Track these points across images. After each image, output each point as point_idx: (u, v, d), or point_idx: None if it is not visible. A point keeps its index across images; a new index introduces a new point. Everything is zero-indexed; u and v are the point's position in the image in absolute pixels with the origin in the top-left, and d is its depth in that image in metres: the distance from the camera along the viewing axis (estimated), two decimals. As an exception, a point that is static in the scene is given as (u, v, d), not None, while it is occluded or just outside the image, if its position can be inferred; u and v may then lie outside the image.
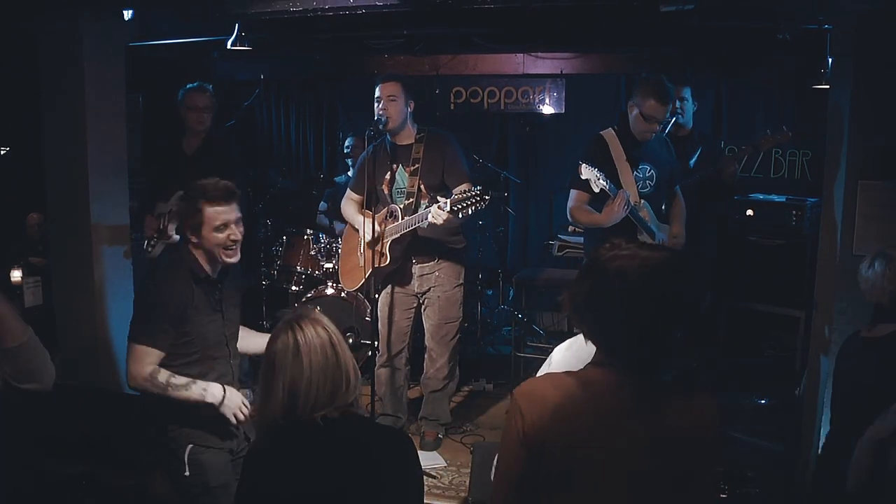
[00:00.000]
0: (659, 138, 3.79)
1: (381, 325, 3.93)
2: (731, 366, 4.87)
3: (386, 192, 3.81)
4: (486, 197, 3.27)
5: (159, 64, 5.37)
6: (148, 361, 2.45)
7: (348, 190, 4.01)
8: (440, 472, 3.69)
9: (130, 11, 3.89)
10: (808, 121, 5.03)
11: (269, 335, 1.94)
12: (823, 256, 3.63)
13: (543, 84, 5.74)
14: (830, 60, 3.76)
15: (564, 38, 5.28)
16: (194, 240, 2.53)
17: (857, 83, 3.37)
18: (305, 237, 5.00)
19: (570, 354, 1.83)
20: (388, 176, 3.80)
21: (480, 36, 5.22)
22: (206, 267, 2.57)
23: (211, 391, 2.50)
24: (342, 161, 6.01)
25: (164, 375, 2.46)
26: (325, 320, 1.87)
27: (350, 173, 4.87)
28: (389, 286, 3.90)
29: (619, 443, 1.49)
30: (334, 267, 4.76)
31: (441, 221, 3.35)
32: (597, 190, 3.41)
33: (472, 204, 3.26)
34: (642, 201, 3.63)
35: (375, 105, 3.69)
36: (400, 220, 3.64)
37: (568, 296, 1.60)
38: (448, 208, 3.29)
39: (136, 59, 4.21)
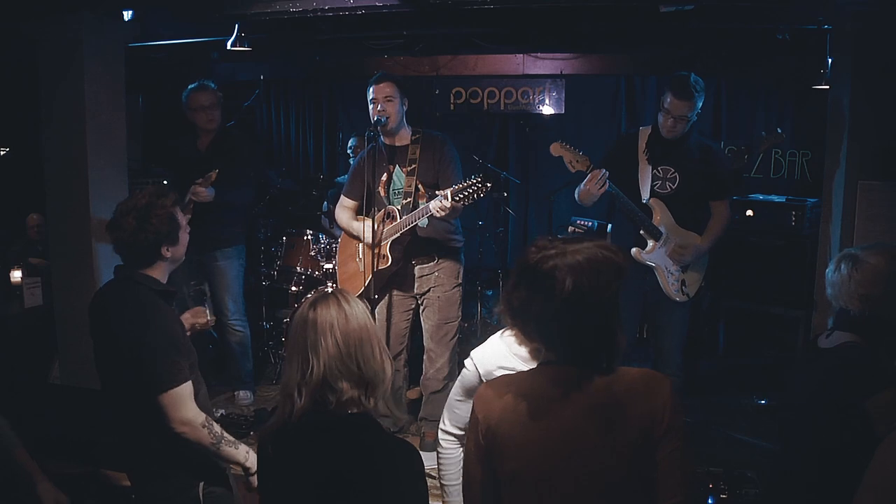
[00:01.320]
0: (700, 143, 3.68)
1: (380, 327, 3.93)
2: (731, 366, 4.87)
3: (382, 193, 3.79)
4: (489, 184, 3.26)
5: (159, 64, 5.38)
6: (192, 403, 2.23)
7: (342, 196, 3.96)
8: (440, 473, 3.69)
9: (130, 12, 3.90)
10: (808, 121, 5.04)
11: None
12: (823, 256, 3.64)
13: (543, 84, 5.75)
14: (830, 60, 3.76)
15: (564, 39, 5.29)
16: (167, 253, 2.35)
17: (857, 83, 3.38)
18: (305, 238, 5.00)
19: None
20: (384, 177, 3.79)
21: (480, 36, 5.22)
22: (164, 280, 2.40)
23: (252, 457, 2.30)
24: (343, 161, 6.01)
25: (217, 426, 2.26)
26: (355, 308, 1.75)
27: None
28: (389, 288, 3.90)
29: (562, 425, 1.51)
30: (334, 267, 4.75)
31: (443, 213, 3.35)
32: (572, 171, 3.51)
33: (475, 192, 3.25)
34: (653, 200, 3.62)
35: (371, 106, 3.69)
36: (398, 220, 3.64)
37: (504, 302, 1.61)
38: (451, 198, 3.29)
39: (136, 59, 4.22)
